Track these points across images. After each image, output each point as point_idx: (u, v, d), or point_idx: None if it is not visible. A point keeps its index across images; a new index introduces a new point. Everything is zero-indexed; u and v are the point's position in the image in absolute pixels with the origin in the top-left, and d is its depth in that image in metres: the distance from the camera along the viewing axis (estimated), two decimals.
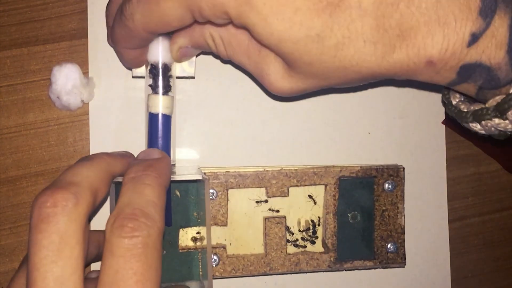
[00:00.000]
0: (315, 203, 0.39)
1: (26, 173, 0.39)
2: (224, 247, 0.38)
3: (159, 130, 0.36)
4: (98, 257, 0.32)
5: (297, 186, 0.39)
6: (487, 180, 0.44)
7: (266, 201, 0.39)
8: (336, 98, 0.41)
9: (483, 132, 0.30)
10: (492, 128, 0.29)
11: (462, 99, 0.32)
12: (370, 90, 0.41)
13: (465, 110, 0.30)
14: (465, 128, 0.31)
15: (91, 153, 0.38)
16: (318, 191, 0.39)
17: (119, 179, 0.31)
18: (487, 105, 0.28)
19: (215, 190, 0.38)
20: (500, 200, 0.44)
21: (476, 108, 0.29)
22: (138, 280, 0.23)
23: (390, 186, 0.40)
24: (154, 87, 0.36)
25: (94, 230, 0.34)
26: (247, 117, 0.40)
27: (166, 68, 0.36)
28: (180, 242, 0.38)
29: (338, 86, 0.32)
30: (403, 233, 0.40)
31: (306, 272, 0.40)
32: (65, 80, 0.36)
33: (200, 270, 0.38)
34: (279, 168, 0.38)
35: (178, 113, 0.39)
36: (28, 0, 0.38)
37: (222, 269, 0.38)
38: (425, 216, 0.43)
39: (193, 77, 0.39)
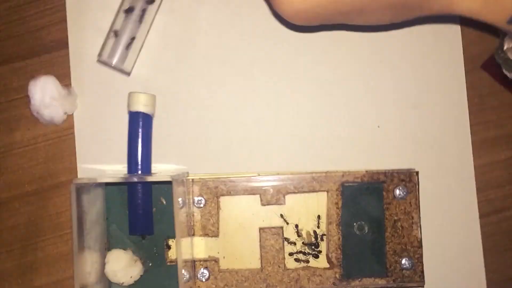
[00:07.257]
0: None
1: (18, 194, 0.38)
2: (216, 261, 0.35)
3: (139, 130, 0.35)
4: None
5: (294, 193, 0.35)
6: None
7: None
8: (338, 91, 0.37)
9: None
10: None
11: None
12: (378, 79, 0.37)
13: None
14: None
15: (78, 166, 0.37)
16: (319, 199, 0.35)
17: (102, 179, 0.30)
18: None
19: (203, 197, 0.35)
20: None
21: None
22: None
23: (401, 193, 0.35)
24: None
25: None
26: (239, 117, 0.37)
27: None
28: (169, 254, 0.36)
29: (356, 13, 0.29)
30: (420, 246, 0.35)
31: None
32: (42, 93, 0.35)
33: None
34: (274, 173, 0.35)
35: (164, 117, 0.37)
36: (5, 16, 0.38)
37: (213, 285, 0.34)
38: (451, 224, 0.37)
39: None
